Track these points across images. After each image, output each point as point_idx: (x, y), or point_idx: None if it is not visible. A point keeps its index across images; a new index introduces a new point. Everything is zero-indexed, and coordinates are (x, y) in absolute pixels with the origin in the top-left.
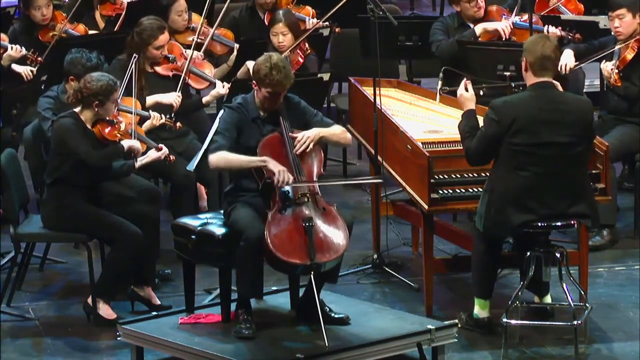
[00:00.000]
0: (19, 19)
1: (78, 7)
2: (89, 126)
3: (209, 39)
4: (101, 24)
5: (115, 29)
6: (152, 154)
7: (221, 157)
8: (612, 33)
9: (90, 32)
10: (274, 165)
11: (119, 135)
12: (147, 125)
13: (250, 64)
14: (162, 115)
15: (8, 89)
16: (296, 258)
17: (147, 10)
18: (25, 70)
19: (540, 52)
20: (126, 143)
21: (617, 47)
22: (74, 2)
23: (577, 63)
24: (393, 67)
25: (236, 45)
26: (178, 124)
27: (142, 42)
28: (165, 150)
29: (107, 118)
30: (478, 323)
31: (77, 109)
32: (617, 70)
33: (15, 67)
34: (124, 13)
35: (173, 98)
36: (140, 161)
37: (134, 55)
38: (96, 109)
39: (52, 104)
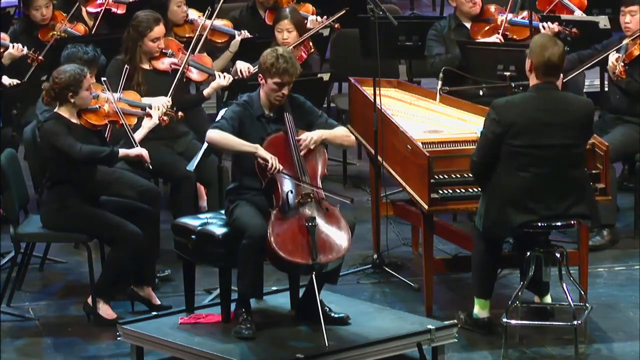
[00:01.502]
0: (19, 19)
1: (73, 6)
2: (74, 121)
3: (208, 29)
4: (89, 22)
5: (96, 25)
6: (147, 123)
7: (219, 133)
8: (622, 27)
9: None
10: (264, 153)
11: (106, 118)
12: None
13: (239, 64)
14: (163, 107)
15: (8, 89)
16: (298, 257)
17: (147, 4)
18: (10, 82)
19: (547, 57)
20: (133, 151)
21: (624, 42)
22: (62, 1)
23: (566, 77)
24: (393, 67)
25: (237, 32)
26: (180, 113)
27: (138, 35)
28: (156, 114)
29: (89, 106)
30: (478, 323)
31: (56, 109)
32: (622, 63)
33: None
34: (103, 10)
35: (161, 101)
36: (139, 133)
37: (126, 66)
38: (72, 100)
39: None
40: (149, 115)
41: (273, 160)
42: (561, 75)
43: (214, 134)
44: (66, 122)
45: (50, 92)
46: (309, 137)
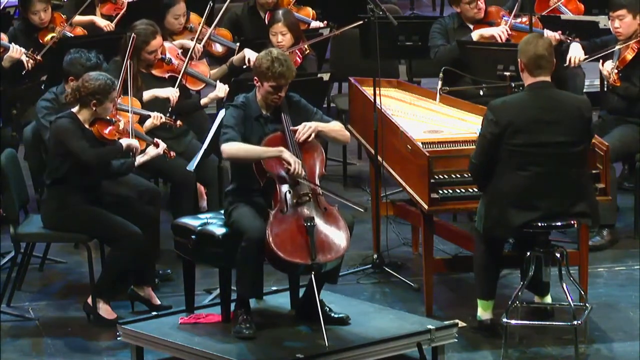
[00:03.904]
0: (19, 19)
1: (80, 7)
2: (86, 126)
3: (206, 38)
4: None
5: (114, 23)
6: (152, 151)
7: (236, 147)
8: (612, 33)
9: (92, 32)
10: (289, 156)
11: (117, 134)
12: (148, 124)
13: (247, 52)
14: (162, 115)
15: (8, 89)
16: (297, 258)
17: (147, 8)
18: (23, 59)
19: (533, 51)
20: (124, 141)
21: (617, 47)
22: (73, 3)
23: (586, 56)
24: (393, 67)
25: (237, 46)
26: (178, 122)
27: (134, 47)
28: (163, 145)
29: (106, 117)
30: (481, 325)
31: (74, 109)
32: (616, 71)
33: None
34: (122, 12)
35: (170, 92)
36: (140, 159)
37: (127, 55)
38: (94, 109)
39: (50, 107)
40: (157, 145)
41: (296, 165)
42: (553, 68)
43: (231, 148)
44: (79, 124)
45: (76, 93)
46: (307, 126)
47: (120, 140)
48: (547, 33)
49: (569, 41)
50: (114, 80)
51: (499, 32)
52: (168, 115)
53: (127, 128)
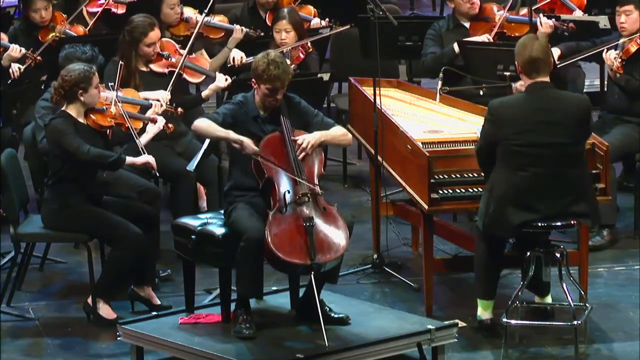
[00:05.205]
0: (19, 19)
1: (71, 7)
2: (81, 120)
3: (200, 23)
4: (90, 21)
5: (92, 23)
6: (152, 129)
7: (205, 122)
8: (618, 27)
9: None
10: (236, 136)
11: (112, 119)
12: (149, 114)
13: (233, 52)
14: (163, 103)
15: (8, 89)
16: (296, 258)
17: (144, 7)
18: (13, 68)
19: (528, 54)
20: (129, 159)
21: (621, 41)
22: (63, 1)
23: (559, 63)
24: (393, 67)
25: (236, 26)
26: (179, 109)
27: (133, 40)
28: (162, 120)
29: (96, 106)
30: (481, 325)
31: (64, 107)
32: (620, 59)
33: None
34: (102, 9)
35: (161, 95)
36: (144, 139)
37: (120, 60)
38: (82, 99)
39: (49, 107)
40: (154, 121)
41: (247, 141)
42: (551, 68)
43: (199, 122)
44: (73, 120)
45: (60, 91)
46: (306, 141)
47: (128, 158)
48: (543, 20)
49: (564, 27)
50: (92, 66)
51: (483, 40)
52: (169, 104)
53: (120, 112)
